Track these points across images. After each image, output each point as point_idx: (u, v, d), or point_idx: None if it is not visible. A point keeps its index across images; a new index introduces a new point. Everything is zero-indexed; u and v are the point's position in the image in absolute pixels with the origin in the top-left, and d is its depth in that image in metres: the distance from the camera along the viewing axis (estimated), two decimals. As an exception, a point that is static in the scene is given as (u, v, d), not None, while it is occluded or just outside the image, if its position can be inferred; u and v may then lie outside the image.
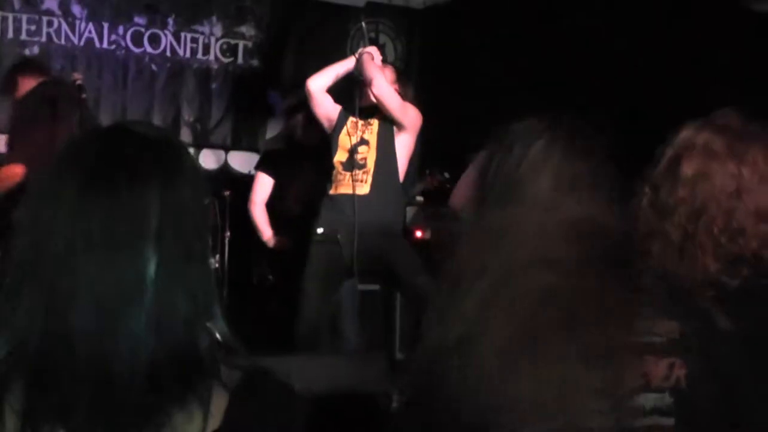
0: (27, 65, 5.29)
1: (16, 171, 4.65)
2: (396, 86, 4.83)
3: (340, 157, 4.80)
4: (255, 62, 7.01)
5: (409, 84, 5.13)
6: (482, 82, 6.27)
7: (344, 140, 4.79)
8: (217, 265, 5.57)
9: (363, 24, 5.84)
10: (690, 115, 1.74)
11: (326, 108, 4.87)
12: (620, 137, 1.50)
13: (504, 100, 5.91)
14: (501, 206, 1.45)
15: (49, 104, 4.77)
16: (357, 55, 4.84)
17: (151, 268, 1.10)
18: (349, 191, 4.70)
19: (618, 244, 1.38)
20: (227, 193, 5.81)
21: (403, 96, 4.82)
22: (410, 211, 6.00)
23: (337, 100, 4.91)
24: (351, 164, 4.75)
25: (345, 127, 4.81)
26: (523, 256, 1.32)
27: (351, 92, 4.87)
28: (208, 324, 1.16)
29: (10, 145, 4.95)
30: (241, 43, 6.95)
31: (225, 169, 6.86)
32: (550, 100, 5.71)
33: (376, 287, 5.70)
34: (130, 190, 1.12)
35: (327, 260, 4.70)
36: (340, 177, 4.77)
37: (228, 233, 5.80)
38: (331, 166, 4.81)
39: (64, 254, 1.10)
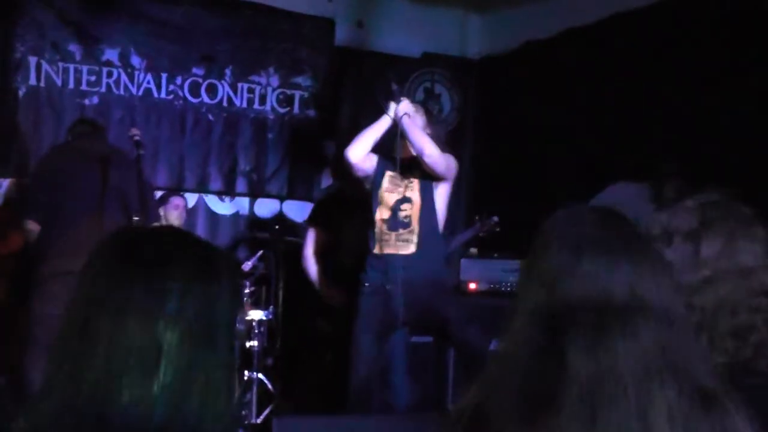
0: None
1: None
2: (429, 130, 4.74)
3: (383, 214, 4.69)
4: (311, 112, 7.03)
5: (440, 125, 5.02)
6: (534, 133, 6.25)
7: (385, 197, 4.71)
8: (271, 316, 5.54)
9: (393, 85, 5.65)
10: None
11: (365, 170, 4.77)
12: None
13: (554, 151, 5.88)
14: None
15: None
16: (392, 116, 4.70)
17: (166, 344, 1.12)
18: (396, 251, 4.63)
19: None
20: (281, 244, 5.79)
21: (437, 140, 4.69)
22: (465, 263, 5.92)
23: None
24: (395, 223, 4.66)
25: (384, 182, 4.73)
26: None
27: (387, 145, 4.79)
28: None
29: None
30: (297, 94, 6.98)
31: (280, 218, 6.85)
32: (599, 152, 5.64)
33: (428, 339, 5.61)
34: (158, 272, 1.17)
35: (377, 312, 4.62)
36: (386, 237, 4.66)
37: (282, 284, 5.78)
38: (374, 223, 4.70)
39: (85, 321, 1.14)
